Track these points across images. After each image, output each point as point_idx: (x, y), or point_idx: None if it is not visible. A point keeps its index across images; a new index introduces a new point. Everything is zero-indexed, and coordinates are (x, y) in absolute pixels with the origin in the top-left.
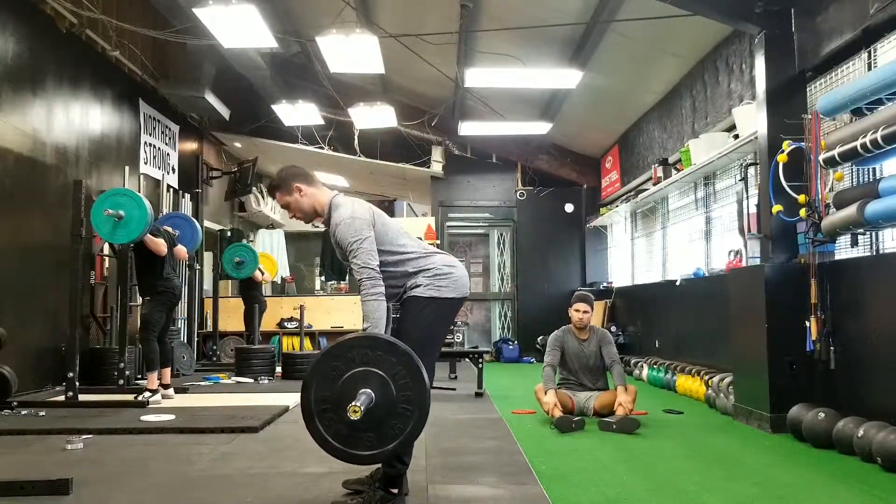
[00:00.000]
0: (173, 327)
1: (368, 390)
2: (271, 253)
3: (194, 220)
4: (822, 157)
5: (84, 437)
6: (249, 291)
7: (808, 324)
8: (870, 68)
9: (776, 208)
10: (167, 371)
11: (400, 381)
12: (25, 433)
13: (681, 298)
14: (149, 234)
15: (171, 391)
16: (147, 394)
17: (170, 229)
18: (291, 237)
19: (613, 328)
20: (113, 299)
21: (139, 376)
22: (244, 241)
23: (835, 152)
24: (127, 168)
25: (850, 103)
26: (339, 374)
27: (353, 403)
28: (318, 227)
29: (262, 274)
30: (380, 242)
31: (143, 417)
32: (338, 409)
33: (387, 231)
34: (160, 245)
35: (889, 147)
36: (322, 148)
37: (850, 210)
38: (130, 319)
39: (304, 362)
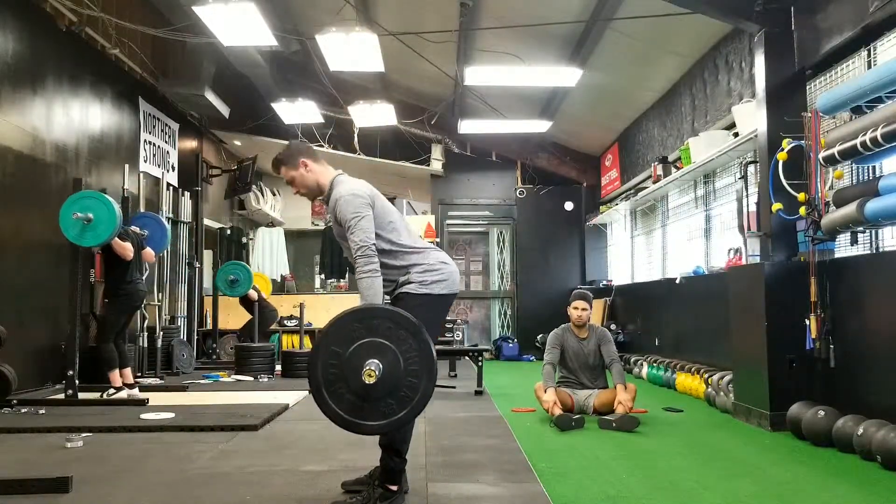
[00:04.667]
0: (172, 326)
1: (377, 361)
2: (271, 251)
3: (163, 220)
4: (821, 155)
5: (84, 434)
6: (251, 307)
7: (807, 322)
8: (869, 66)
9: (776, 206)
10: (128, 371)
11: (411, 366)
12: (25, 431)
13: (680, 296)
14: (116, 238)
15: (136, 390)
16: (111, 391)
17: (137, 230)
18: (291, 235)
19: (613, 326)
20: None
21: (139, 374)
22: (242, 239)
23: (834, 150)
24: (127, 166)
25: (850, 101)
26: (358, 337)
27: (369, 367)
28: (317, 224)
29: (257, 294)
30: (378, 225)
31: (143, 415)
32: (344, 367)
33: (384, 215)
34: (126, 249)
35: (889, 145)
36: (322, 146)
37: (850, 208)
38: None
39: (303, 360)
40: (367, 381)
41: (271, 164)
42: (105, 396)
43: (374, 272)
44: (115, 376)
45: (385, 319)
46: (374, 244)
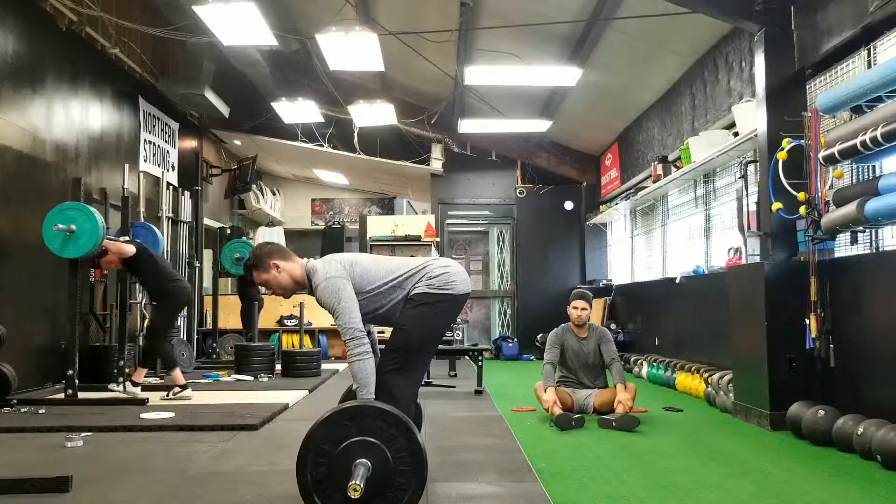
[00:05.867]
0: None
1: (366, 461)
2: None
3: (154, 227)
4: (821, 154)
5: (84, 434)
6: (247, 289)
7: (807, 321)
8: (869, 66)
9: (776, 206)
10: (142, 371)
11: (401, 466)
12: (25, 431)
13: (680, 296)
14: (107, 240)
15: (138, 389)
16: (176, 389)
17: (127, 239)
18: (291, 235)
19: (613, 326)
20: (113, 297)
21: None
22: (244, 238)
23: (834, 150)
24: (126, 165)
25: (850, 101)
26: (348, 436)
27: (354, 482)
28: (317, 224)
29: None
30: (368, 283)
31: (143, 415)
32: (333, 467)
33: (368, 273)
34: (121, 247)
35: (889, 144)
36: (322, 145)
37: (850, 208)
38: (130, 317)
39: (303, 360)
40: (352, 497)
41: (243, 270)
42: (171, 396)
43: (365, 354)
44: (178, 375)
45: (376, 419)
46: (359, 324)
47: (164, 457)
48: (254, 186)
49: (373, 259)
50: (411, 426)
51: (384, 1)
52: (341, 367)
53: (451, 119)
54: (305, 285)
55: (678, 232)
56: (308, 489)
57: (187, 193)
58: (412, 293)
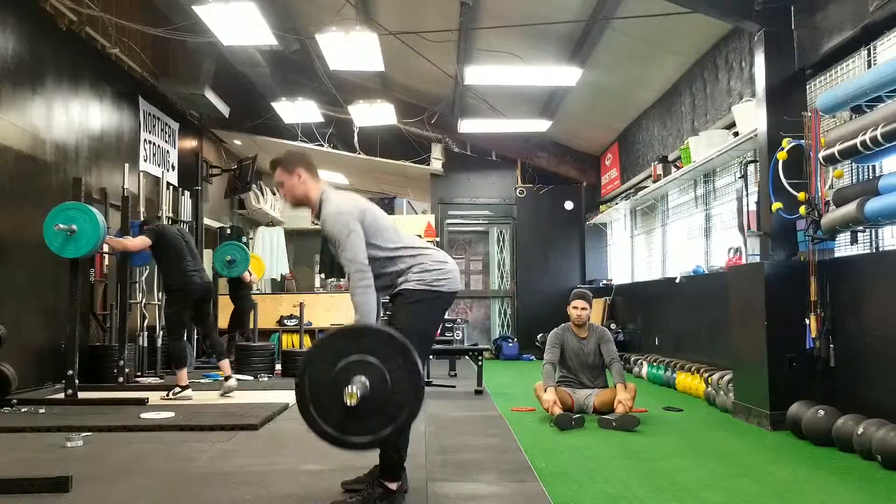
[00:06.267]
0: None
1: (363, 377)
2: (271, 250)
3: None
4: (821, 154)
5: (84, 434)
6: (239, 291)
7: (807, 321)
8: (869, 66)
9: (776, 206)
10: (225, 363)
11: (399, 384)
12: (25, 430)
13: (680, 296)
14: (109, 239)
15: (232, 381)
16: (177, 389)
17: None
18: (291, 235)
19: (613, 326)
20: (113, 297)
21: (139, 374)
22: (242, 238)
23: (834, 150)
24: (126, 165)
25: (850, 100)
26: (346, 355)
27: (350, 389)
28: (317, 223)
29: (250, 275)
30: (370, 236)
31: (143, 415)
32: (331, 385)
33: (377, 225)
34: (125, 244)
35: (889, 144)
36: (322, 145)
37: (850, 207)
38: (130, 317)
39: None
40: (348, 403)
41: (269, 163)
42: (171, 396)
43: (368, 287)
44: (183, 375)
45: (374, 338)
46: (365, 259)
47: (164, 457)
48: (254, 186)
49: (384, 217)
50: (408, 346)
51: (384, 1)
52: None
53: (451, 119)
54: (314, 208)
55: (678, 232)
56: (306, 405)
57: (187, 193)
58: (404, 286)
